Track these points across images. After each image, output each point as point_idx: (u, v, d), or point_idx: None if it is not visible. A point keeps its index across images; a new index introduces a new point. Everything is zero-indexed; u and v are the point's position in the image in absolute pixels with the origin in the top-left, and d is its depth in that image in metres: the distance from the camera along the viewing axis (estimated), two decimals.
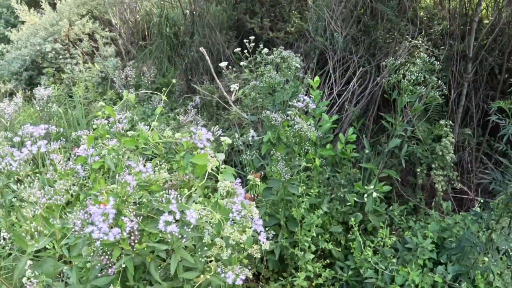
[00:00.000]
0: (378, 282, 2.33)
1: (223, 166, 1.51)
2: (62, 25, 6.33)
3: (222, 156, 1.49)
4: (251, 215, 1.55)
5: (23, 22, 6.87)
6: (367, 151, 2.82)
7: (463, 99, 3.72)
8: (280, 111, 2.47)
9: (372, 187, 2.69)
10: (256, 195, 1.66)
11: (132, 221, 1.39)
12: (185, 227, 1.45)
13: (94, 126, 1.60)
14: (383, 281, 2.36)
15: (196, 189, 1.56)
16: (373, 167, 2.71)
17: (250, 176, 1.71)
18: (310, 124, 2.30)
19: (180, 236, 1.42)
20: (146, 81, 5.40)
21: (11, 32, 6.75)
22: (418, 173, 3.23)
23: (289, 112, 2.36)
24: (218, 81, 4.37)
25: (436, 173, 3.16)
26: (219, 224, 1.44)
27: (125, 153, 1.59)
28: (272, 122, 2.41)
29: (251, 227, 1.53)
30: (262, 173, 2.13)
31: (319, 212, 2.42)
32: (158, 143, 1.62)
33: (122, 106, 4.79)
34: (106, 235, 1.33)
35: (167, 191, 1.44)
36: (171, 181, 1.55)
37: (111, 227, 1.36)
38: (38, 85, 5.49)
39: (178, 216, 1.38)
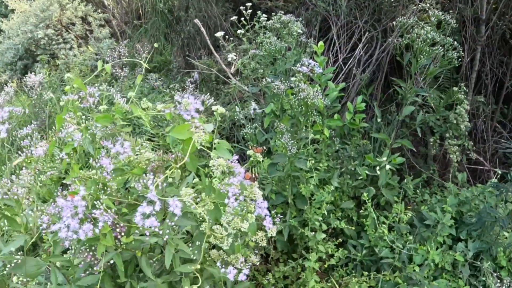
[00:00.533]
0: (396, 262, 2.11)
1: (216, 140, 1.26)
2: (53, 10, 6.03)
3: (210, 127, 1.22)
4: (254, 197, 1.32)
5: (13, 11, 6.57)
6: (379, 119, 2.57)
7: (477, 64, 3.45)
8: (282, 80, 2.22)
9: (384, 159, 2.45)
10: (257, 174, 1.42)
11: (108, 212, 1.15)
12: (171, 221, 1.23)
13: (62, 103, 1.34)
14: (400, 260, 2.14)
15: (188, 172, 1.34)
16: (386, 137, 2.46)
17: (249, 152, 1.46)
18: (317, 91, 2.05)
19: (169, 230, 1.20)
20: (140, 58, 5.11)
21: (2, 22, 6.45)
22: (431, 143, 2.98)
23: (292, 79, 2.10)
24: (216, 54, 4.09)
25: (451, 142, 2.92)
26: (215, 211, 1.22)
27: (108, 132, 1.35)
28: (275, 91, 2.16)
29: (253, 212, 1.30)
30: (266, 147, 1.84)
31: (330, 188, 2.19)
32: (141, 119, 1.37)
33: (121, 88, 4.55)
34: (76, 233, 1.10)
35: (147, 174, 1.21)
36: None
37: (83, 222, 1.12)
38: (33, 73, 5.25)
39: (158, 207, 1.13)
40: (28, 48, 6.05)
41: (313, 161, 2.13)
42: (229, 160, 1.30)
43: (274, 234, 1.34)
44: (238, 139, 3.27)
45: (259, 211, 1.31)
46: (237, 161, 1.36)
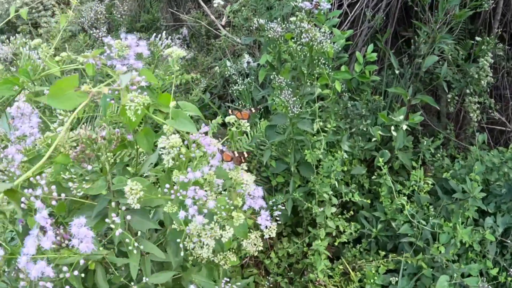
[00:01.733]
0: (417, 242, 1.72)
1: (172, 103, 0.82)
2: None
3: (148, 78, 0.80)
4: (241, 186, 0.91)
5: None
6: (396, 71, 2.12)
7: (499, 13, 2.97)
8: (279, 22, 1.76)
9: (401, 117, 2.03)
10: (244, 152, 0.98)
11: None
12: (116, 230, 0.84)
13: None
14: (422, 239, 1.76)
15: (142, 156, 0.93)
16: (404, 93, 2.03)
17: (230, 118, 1.00)
18: (324, 32, 1.60)
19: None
20: (119, 15, 4.54)
21: None
22: (449, 100, 2.55)
23: (292, 19, 1.64)
24: (204, 5, 3.59)
25: (471, 99, 2.49)
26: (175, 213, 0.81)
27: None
28: (270, 36, 1.70)
29: (242, 206, 0.89)
30: (259, 108, 1.27)
31: (340, 154, 1.78)
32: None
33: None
34: None
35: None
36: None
37: None
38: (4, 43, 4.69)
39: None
40: (10, 20, 5.46)
41: (321, 123, 1.70)
42: (191, 134, 0.87)
43: (273, 234, 0.92)
44: (233, 98, 2.83)
45: (250, 203, 0.89)
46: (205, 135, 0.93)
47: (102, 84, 0.67)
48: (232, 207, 0.87)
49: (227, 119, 1.02)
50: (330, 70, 1.73)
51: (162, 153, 0.85)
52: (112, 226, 0.79)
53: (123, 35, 0.88)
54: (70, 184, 0.81)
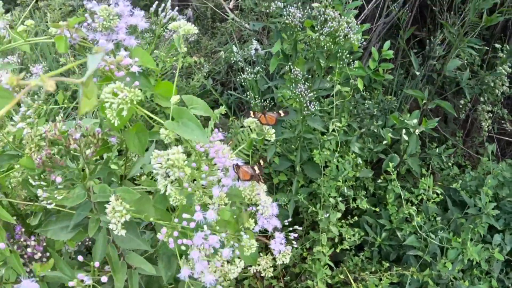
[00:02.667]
0: (425, 256, 1.58)
1: (175, 97, 0.65)
2: None
3: (141, 57, 0.62)
4: (256, 204, 0.75)
5: None
6: (417, 72, 1.97)
7: None
8: (298, 6, 1.59)
9: (415, 121, 1.88)
10: (261, 163, 0.79)
11: None
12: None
13: None
14: (428, 252, 1.62)
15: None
16: (421, 95, 1.88)
17: (250, 121, 0.88)
18: (350, 23, 1.44)
19: None
20: None
21: None
22: (461, 106, 2.41)
23: (315, 4, 1.47)
24: None
25: (484, 108, 2.35)
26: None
27: None
28: (287, 21, 1.53)
29: (253, 227, 0.74)
30: (281, 113, 0.94)
31: (352, 156, 1.63)
32: None
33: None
34: None
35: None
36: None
37: None
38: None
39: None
40: None
41: (338, 123, 1.54)
42: (200, 145, 0.69)
43: (287, 260, 0.77)
44: (236, 86, 2.66)
45: (263, 224, 0.73)
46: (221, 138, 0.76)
47: (51, 73, 0.50)
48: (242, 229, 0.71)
49: (247, 122, 0.84)
50: (340, 65, 1.56)
51: (156, 173, 0.65)
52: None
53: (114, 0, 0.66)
54: (39, 192, 0.64)
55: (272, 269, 0.80)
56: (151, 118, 0.61)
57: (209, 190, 0.66)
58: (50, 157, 0.60)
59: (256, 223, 0.74)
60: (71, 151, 0.62)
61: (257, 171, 0.75)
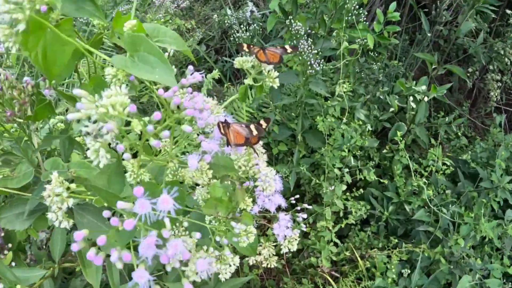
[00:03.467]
0: (437, 232, 1.44)
1: (132, 22, 0.47)
2: None
3: None
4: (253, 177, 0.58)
5: None
6: (429, 34, 1.79)
7: None
8: None
9: (424, 87, 1.71)
10: (264, 121, 0.60)
11: None
12: None
13: None
14: (439, 227, 1.48)
15: None
16: (432, 59, 1.70)
17: (243, 60, 0.63)
18: None
19: None
20: None
21: None
22: (468, 75, 2.24)
23: None
24: None
25: (494, 77, 2.19)
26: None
27: None
28: None
29: (251, 207, 0.57)
30: (287, 48, 0.69)
31: (358, 123, 1.46)
32: None
33: None
34: None
35: None
36: None
37: None
38: None
39: None
40: None
41: (345, 85, 1.37)
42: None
43: (294, 248, 0.62)
44: (231, 52, 2.46)
45: (264, 203, 0.56)
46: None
47: None
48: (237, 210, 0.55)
49: (238, 61, 0.65)
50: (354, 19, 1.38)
51: (86, 135, 0.41)
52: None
53: None
54: None
55: (275, 257, 0.64)
56: (89, 52, 0.43)
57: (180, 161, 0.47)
58: None
59: (254, 202, 0.57)
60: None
61: (254, 132, 0.56)
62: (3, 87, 0.46)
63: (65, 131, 0.57)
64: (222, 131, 0.52)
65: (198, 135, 0.50)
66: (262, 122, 0.61)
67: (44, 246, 0.74)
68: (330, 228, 1.38)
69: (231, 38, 1.96)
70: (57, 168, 0.47)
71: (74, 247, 0.39)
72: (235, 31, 2.05)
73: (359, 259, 1.38)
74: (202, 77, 0.48)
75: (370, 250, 1.41)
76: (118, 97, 0.37)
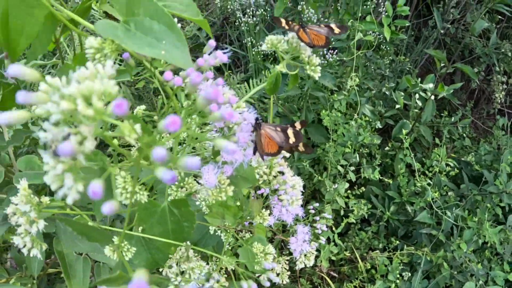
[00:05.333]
0: (440, 235, 1.38)
1: None
2: None
3: None
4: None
5: None
6: (441, 30, 1.72)
7: None
8: None
9: (431, 85, 1.65)
10: (300, 124, 0.52)
11: None
12: None
13: None
14: (442, 230, 1.42)
15: None
16: (442, 57, 1.64)
17: (276, 38, 0.52)
18: None
19: None
20: None
21: None
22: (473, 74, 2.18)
23: None
24: None
25: (499, 78, 2.13)
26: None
27: None
28: None
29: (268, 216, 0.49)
30: (334, 27, 0.58)
31: (364, 120, 1.40)
32: None
33: None
34: None
35: None
36: None
37: None
38: None
39: None
40: None
41: (356, 79, 1.30)
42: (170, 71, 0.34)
43: (311, 263, 0.55)
44: (232, 40, 2.37)
45: (280, 214, 0.48)
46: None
47: None
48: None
49: (271, 39, 0.51)
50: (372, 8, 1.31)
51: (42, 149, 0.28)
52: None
53: None
54: None
55: (288, 272, 0.56)
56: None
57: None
58: None
59: (268, 209, 0.49)
60: None
61: (292, 139, 0.44)
62: None
63: (29, 131, 0.48)
64: (255, 136, 0.42)
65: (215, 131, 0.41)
66: (297, 124, 0.51)
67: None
68: (330, 225, 1.32)
69: (235, 25, 1.88)
70: (32, 169, 0.39)
71: None
72: (239, 17, 1.97)
73: (359, 260, 1.32)
74: (228, 57, 0.40)
75: (370, 250, 1.35)
76: (96, 83, 0.23)
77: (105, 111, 0.22)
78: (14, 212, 0.33)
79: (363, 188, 1.47)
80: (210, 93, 0.28)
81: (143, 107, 0.59)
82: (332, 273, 1.35)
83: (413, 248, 1.35)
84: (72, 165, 0.24)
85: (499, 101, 2.12)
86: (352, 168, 1.35)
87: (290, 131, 0.46)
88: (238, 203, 0.55)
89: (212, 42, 0.40)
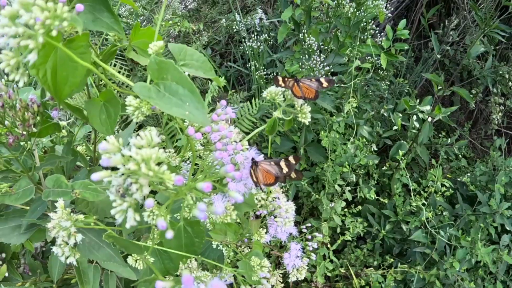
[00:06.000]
0: (433, 254, 1.43)
1: (159, 43, 0.42)
2: None
3: None
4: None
5: None
6: (438, 55, 1.78)
7: None
8: None
9: (428, 107, 1.71)
10: (294, 159, 0.57)
11: None
12: None
13: None
14: (436, 249, 1.47)
15: None
16: (439, 81, 1.70)
17: (271, 90, 0.61)
18: None
19: None
20: None
21: None
22: (472, 96, 2.23)
23: None
24: None
25: (496, 100, 2.18)
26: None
27: None
28: None
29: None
30: (323, 81, 0.65)
31: (362, 141, 1.45)
32: None
33: None
34: None
35: None
36: None
37: None
38: None
39: None
40: None
41: (354, 102, 1.36)
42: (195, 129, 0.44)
43: (302, 276, 0.61)
44: (236, 57, 2.45)
45: (276, 233, 0.56)
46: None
47: None
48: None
49: (270, 92, 0.60)
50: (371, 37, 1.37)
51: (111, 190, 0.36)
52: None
53: None
54: None
55: (282, 284, 0.62)
56: (110, 79, 0.42)
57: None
58: None
59: (265, 228, 0.56)
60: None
61: (285, 169, 0.52)
62: (5, 108, 0.44)
63: (69, 143, 0.54)
64: (253, 174, 0.49)
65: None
66: (291, 158, 0.58)
67: (38, 255, 0.71)
68: (326, 242, 1.36)
69: (239, 44, 1.95)
70: (60, 187, 0.45)
71: None
72: (243, 38, 2.04)
73: (354, 276, 1.36)
74: (235, 113, 0.47)
75: (365, 268, 1.39)
76: (151, 150, 0.31)
77: (159, 172, 0.31)
78: (54, 227, 0.39)
79: (360, 207, 1.52)
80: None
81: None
82: None
83: (406, 266, 1.39)
84: (133, 202, 0.32)
85: (497, 122, 2.17)
86: (349, 188, 1.40)
87: (282, 163, 0.53)
88: (239, 220, 0.61)
89: (223, 102, 0.47)
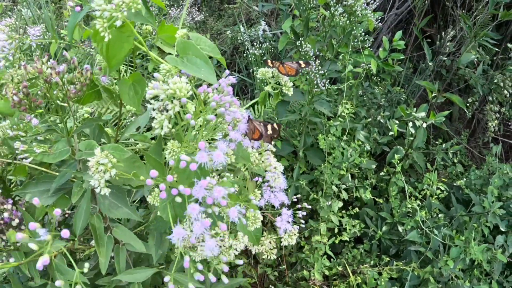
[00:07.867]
0: (427, 253, 1.49)
1: (182, 31, 0.59)
2: None
3: None
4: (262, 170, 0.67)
5: None
6: (430, 63, 1.86)
7: None
8: None
9: (423, 114, 1.78)
10: (275, 125, 0.69)
11: None
12: None
13: None
14: (430, 248, 1.53)
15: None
16: (432, 88, 1.77)
17: (264, 70, 0.76)
18: (368, 3, 1.33)
19: None
20: None
21: None
22: (468, 104, 2.31)
23: None
24: None
25: (492, 108, 2.25)
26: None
27: None
28: None
29: (259, 199, 0.64)
30: (302, 63, 0.78)
31: (357, 144, 1.53)
32: None
33: None
34: None
35: None
36: None
37: None
38: None
39: None
40: None
41: (348, 106, 1.44)
42: (208, 85, 0.56)
43: (293, 241, 0.69)
44: (240, 68, 2.54)
45: (269, 198, 0.64)
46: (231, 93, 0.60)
47: None
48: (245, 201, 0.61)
49: (261, 71, 0.75)
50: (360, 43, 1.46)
51: (153, 110, 0.53)
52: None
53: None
54: (17, 145, 0.54)
55: (275, 251, 0.70)
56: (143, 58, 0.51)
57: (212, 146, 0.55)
58: (27, 93, 0.50)
59: (261, 195, 0.64)
60: (46, 94, 0.52)
61: (269, 131, 0.65)
62: (72, 69, 0.55)
63: (96, 120, 0.64)
64: (248, 126, 0.61)
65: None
66: (275, 125, 0.69)
67: (58, 228, 0.79)
68: (325, 241, 1.43)
69: (244, 55, 2.04)
70: (91, 150, 0.54)
71: None
72: (247, 47, 2.13)
73: (350, 274, 1.42)
74: (235, 79, 0.57)
75: (362, 265, 1.45)
76: (182, 84, 0.51)
77: (188, 94, 0.50)
78: (93, 165, 0.49)
79: (357, 209, 1.59)
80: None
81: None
82: (325, 287, 1.46)
83: (401, 264, 1.45)
84: (167, 115, 0.50)
85: (493, 130, 2.23)
86: (344, 186, 1.47)
87: (269, 126, 0.66)
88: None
89: (227, 71, 0.58)
